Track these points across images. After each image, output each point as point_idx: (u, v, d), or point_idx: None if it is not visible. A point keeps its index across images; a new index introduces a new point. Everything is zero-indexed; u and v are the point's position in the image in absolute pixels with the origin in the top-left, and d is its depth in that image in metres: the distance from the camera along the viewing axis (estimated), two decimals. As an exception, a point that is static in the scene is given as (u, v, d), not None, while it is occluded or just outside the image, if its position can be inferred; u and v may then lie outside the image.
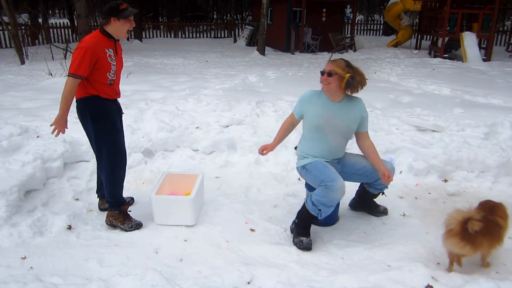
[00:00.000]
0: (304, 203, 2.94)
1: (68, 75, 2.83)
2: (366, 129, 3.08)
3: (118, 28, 2.93)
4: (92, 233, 3.10)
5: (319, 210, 2.80)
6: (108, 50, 2.92)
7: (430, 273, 2.47)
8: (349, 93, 2.93)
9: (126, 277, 2.32)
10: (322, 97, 2.97)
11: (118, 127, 3.10)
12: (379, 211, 3.38)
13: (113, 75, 2.98)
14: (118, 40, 3.04)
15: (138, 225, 3.13)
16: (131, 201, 3.49)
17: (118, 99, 3.21)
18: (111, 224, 3.14)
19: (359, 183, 3.35)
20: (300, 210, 3.00)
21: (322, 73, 2.90)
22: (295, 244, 2.92)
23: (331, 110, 2.93)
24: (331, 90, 2.90)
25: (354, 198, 3.47)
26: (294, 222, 3.04)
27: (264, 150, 3.15)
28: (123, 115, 3.31)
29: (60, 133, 2.93)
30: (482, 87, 7.14)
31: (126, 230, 3.09)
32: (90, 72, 2.84)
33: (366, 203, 3.39)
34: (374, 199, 3.36)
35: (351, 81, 2.81)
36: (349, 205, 3.51)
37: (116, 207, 3.12)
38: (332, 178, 2.77)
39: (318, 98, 2.98)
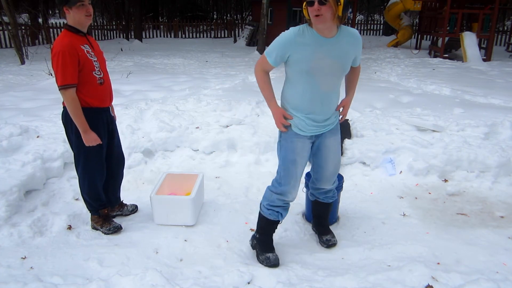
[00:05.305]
0: (259, 214, 2.77)
1: (59, 89, 2.68)
2: (359, 62, 2.63)
3: (74, 17, 2.71)
4: (92, 233, 3.10)
5: (277, 212, 2.66)
6: (84, 46, 2.75)
7: (430, 273, 2.47)
8: (338, 23, 2.36)
9: (126, 277, 2.33)
10: (309, 33, 2.35)
11: (102, 144, 2.95)
12: (323, 240, 2.95)
13: (99, 73, 2.84)
14: (89, 34, 2.88)
15: (116, 228, 3.10)
16: (135, 209, 3.46)
17: (112, 106, 3.10)
18: (94, 227, 3.14)
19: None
20: (257, 224, 2.80)
21: (311, 2, 2.24)
22: (262, 262, 2.70)
23: (324, 48, 2.35)
24: (324, 22, 2.28)
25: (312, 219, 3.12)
26: (254, 237, 2.83)
27: (284, 121, 2.52)
28: (116, 121, 3.22)
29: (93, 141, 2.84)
30: (482, 87, 7.13)
31: (105, 233, 3.07)
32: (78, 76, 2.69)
33: (317, 222, 3.04)
34: (326, 221, 3.02)
35: (347, 5, 2.27)
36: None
37: (94, 212, 3.12)
38: (288, 190, 2.58)
39: (304, 36, 2.35)
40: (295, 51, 2.36)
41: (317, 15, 2.25)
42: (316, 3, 2.22)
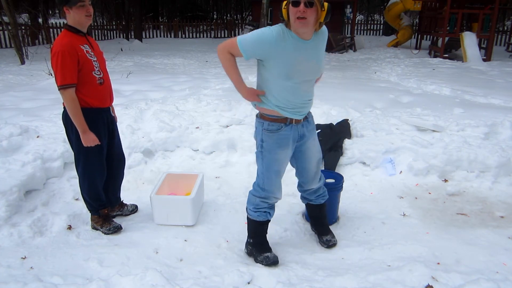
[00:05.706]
0: (247, 219, 2.76)
1: (59, 89, 2.67)
2: None
3: (74, 17, 2.71)
4: (92, 233, 3.10)
5: (265, 212, 2.67)
6: (84, 46, 2.75)
7: (430, 273, 2.47)
8: (317, 29, 2.33)
9: (126, 277, 2.33)
10: (289, 36, 2.27)
11: (102, 144, 2.95)
12: (323, 240, 2.95)
13: (99, 73, 2.83)
14: (88, 34, 2.88)
15: (116, 228, 3.09)
16: (135, 209, 3.45)
17: (112, 106, 3.09)
18: (94, 227, 3.14)
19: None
20: (248, 229, 2.80)
21: (296, 3, 2.15)
22: (261, 262, 2.68)
23: (303, 51, 2.31)
24: (306, 27, 2.24)
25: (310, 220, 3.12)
26: (248, 243, 2.81)
27: (257, 95, 2.46)
28: (117, 121, 3.22)
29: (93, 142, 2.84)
30: (482, 87, 7.13)
31: (105, 233, 3.07)
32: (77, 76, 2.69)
33: (316, 223, 3.04)
34: (324, 221, 3.02)
35: (329, 12, 2.24)
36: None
37: (94, 212, 3.12)
38: (272, 195, 2.61)
39: (284, 39, 2.26)
40: (274, 54, 2.28)
41: (300, 18, 2.18)
42: (302, 4, 2.15)
